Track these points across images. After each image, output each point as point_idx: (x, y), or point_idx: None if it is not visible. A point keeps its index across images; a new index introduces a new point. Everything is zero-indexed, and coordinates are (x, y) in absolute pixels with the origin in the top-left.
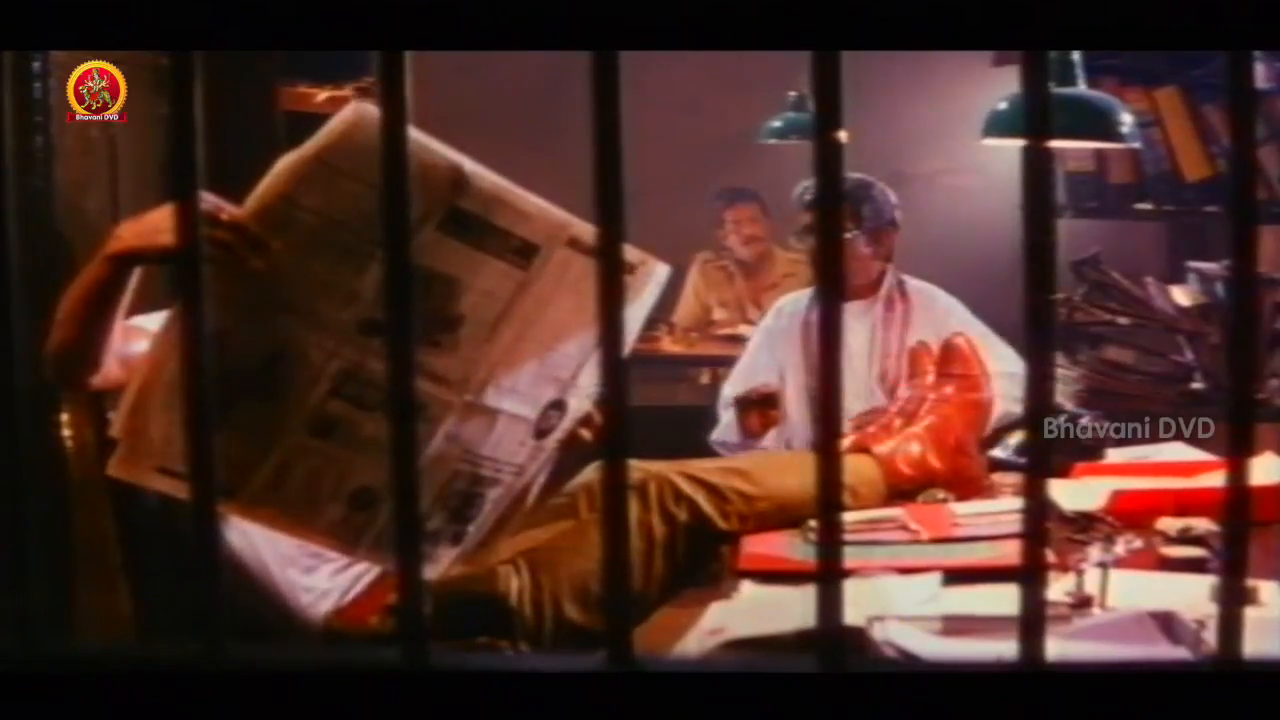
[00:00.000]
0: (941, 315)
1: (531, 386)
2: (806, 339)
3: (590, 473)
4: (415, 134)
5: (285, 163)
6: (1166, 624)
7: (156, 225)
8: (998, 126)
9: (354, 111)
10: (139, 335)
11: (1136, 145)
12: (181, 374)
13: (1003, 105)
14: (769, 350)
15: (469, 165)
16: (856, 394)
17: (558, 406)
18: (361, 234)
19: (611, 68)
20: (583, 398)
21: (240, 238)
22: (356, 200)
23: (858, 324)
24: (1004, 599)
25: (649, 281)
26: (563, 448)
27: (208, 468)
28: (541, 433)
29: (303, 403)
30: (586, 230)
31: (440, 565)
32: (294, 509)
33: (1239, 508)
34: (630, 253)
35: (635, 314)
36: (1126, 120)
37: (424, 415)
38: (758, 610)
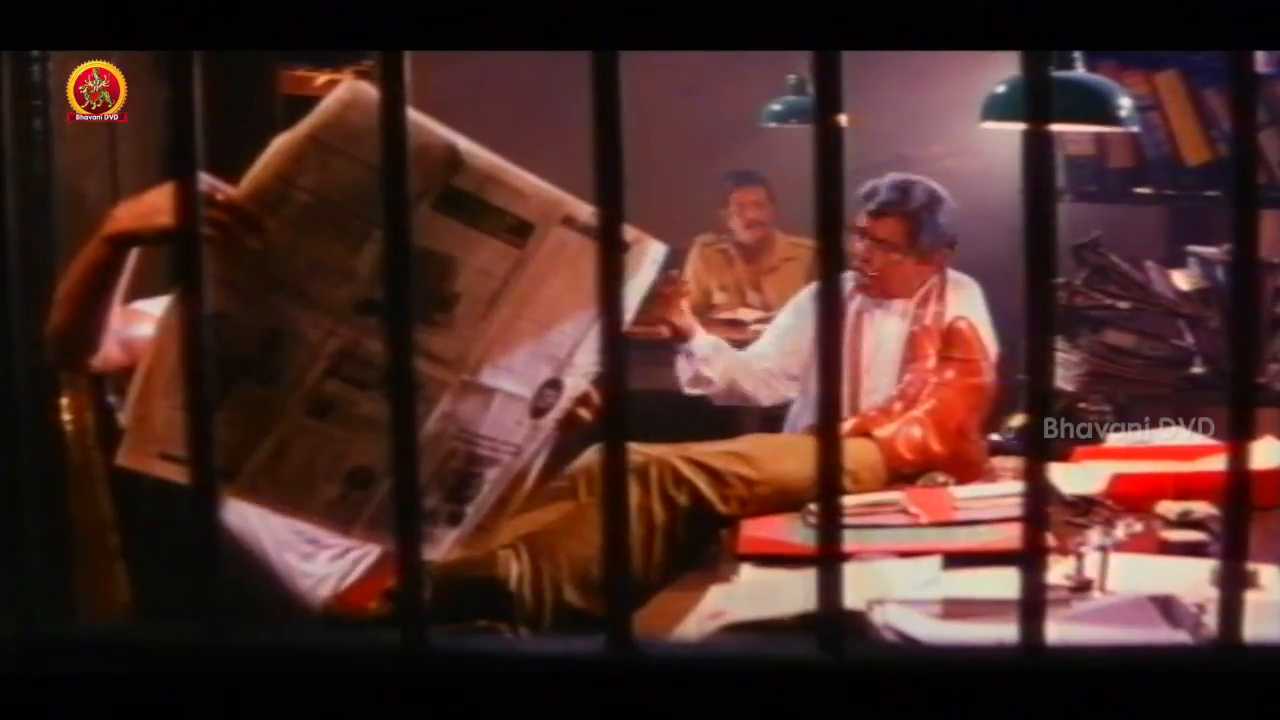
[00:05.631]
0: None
1: (527, 365)
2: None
3: (590, 456)
4: (410, 113)
5: (280, 142)
6: (1166, 607)
7: (154, 206)
8: (996, 110)
9: (348, 90)
10: (139, 318)
11: (1134, 129)
12: (181, 356)
13: (1001, 89)
14: (799, 332)
15: (463, 144)
16: (877, 389)
17: (554, 386)
18: (357, 213)
19: (611, 60)
20: (579, 377)
21: (236, 218)
22: (352, 179)
23: (893, 321)
24: (1004, 582)
25: (644, 260)
26: (561, 428)
27: (207, 451)
28: (538, 412)
29: (300, 383)
30: (582, 208)
31: (439, 546)
32: (291, 489)
33: (1239, 491)
34: (625, 231)
35: (631, 292)
36: (1125, 104)
37: (420, 394)
38: (758, 594)
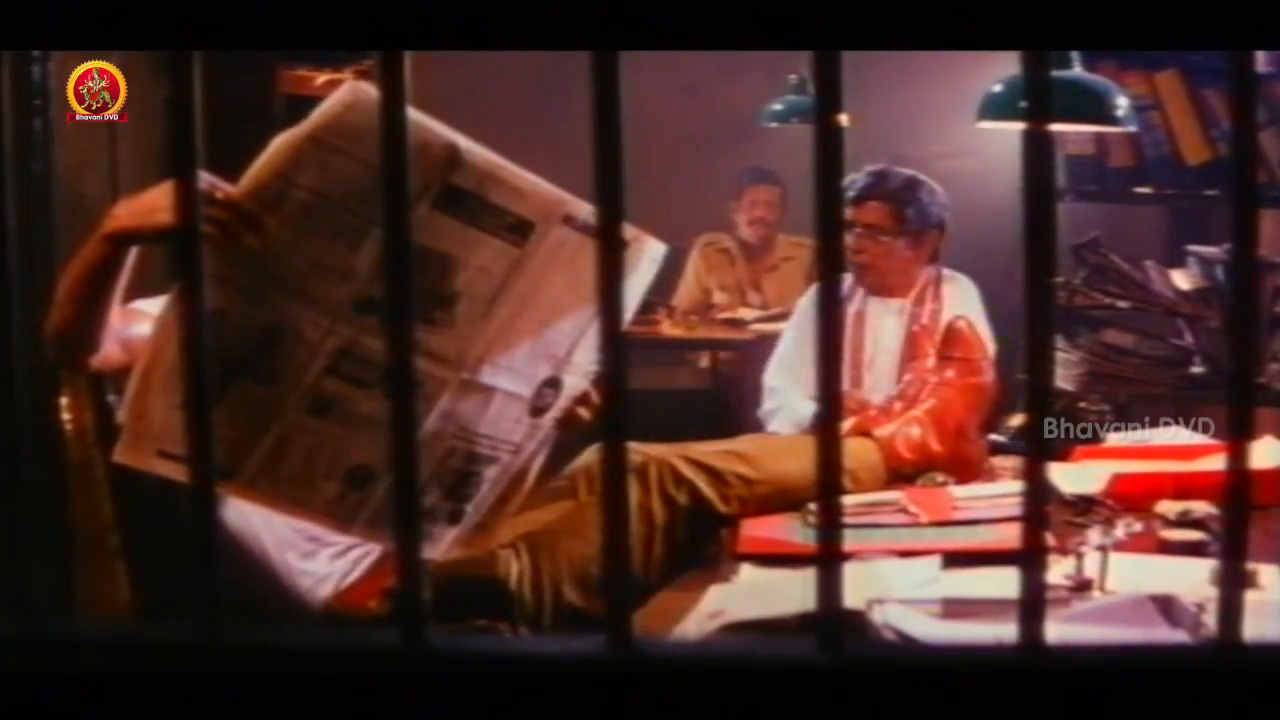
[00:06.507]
0: (959, 308)
1: (526, 364)
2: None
3: (590, 455)
4: (410, 111)
5: (281, 141)
6: (1166, 607)
7: (153, 205)
8: (993, 109)
9: (349, 90)
10: (139, 318)
11: (1131, 129)
12: (180, 354)
13: (998, 88)
14: (804, 343)
15: (463, 142)
16: (877, 388)
17: (553, 384)
18: (357, 211)
19: (611, 60)
20: (578, 376)
21: (235, 216)
22: (352, 177)
23: (891, 320)
24: (1004, 582)
25: (642, 258)
26: (561, 427)
27: (207, 449)
28: (537, 411)
29: (299, 381)
30: (581, 207)
31: (439, 544)
32: (290, 488)
33: (1239, 491)
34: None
35: (630, 291)
36: (1122, 103)
37: (420, 392)
38: (757, 593)
